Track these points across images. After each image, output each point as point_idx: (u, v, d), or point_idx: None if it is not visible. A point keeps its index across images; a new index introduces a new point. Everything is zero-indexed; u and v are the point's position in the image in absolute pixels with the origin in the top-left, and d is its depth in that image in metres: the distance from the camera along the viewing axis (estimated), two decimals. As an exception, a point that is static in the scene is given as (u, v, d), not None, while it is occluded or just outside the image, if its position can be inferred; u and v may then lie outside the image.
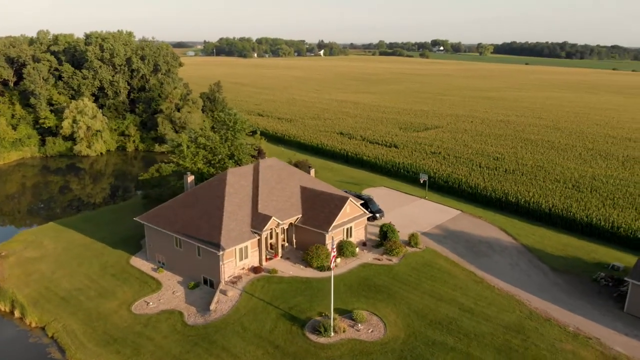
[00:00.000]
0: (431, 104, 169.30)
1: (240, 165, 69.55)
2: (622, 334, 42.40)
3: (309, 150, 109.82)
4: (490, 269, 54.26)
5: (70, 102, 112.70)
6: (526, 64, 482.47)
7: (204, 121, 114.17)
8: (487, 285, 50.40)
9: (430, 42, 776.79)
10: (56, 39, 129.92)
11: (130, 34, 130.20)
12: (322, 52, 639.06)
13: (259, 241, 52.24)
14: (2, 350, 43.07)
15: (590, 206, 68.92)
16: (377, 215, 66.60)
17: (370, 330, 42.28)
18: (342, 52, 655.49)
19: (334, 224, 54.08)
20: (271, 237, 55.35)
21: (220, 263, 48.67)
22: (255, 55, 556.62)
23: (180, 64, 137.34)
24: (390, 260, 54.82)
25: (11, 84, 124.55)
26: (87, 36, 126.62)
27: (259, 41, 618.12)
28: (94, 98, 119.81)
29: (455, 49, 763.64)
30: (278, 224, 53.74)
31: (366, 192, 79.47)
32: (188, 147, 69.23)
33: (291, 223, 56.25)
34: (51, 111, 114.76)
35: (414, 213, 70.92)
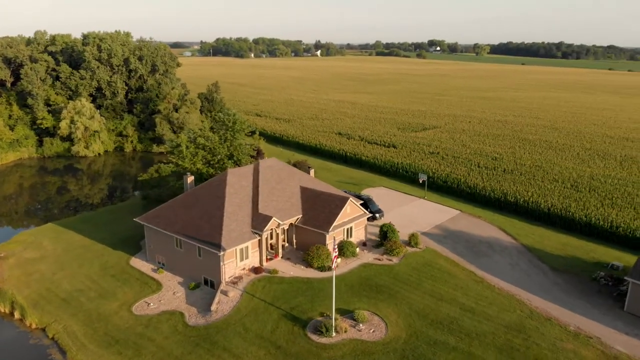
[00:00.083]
0: (429, 104, 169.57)
1: (239, 166, 69.52)
2: (623, 333, 42.56)
3: (307, 151, 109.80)
4: (490, 268, 54.38)
5: (68, 102, 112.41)
6: (522, 64, 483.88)
7: (203, 122, 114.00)
8: (487, 285, 50.50)
9: (427, 42, 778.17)
10: (53, 39, 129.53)
11: (127, 34, 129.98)
12: (319, 52, 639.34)
13: (260, 241, 52.20)
14: (3, 351, 42.91)
15: (589, 206, 69.16)
16: (377, 215, 66.65)
17: (371, 330, 42.31)
18: (339, 53, 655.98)
19: (334, 224, 54.09)
20: (271, 238, 55.35)
21: (221, 263, 48.62)
22: (252, 55, 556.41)
23: (178, 64, 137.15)
24: (390, 260, 54.88)
25: (8, 85, 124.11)
26: (85, 36, 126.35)
27: (256, 41, 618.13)
28: (91, 98, 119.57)
29: (452, 49, 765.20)
30: (278, 225, 53.72)
31: (365, 192, 79.53)
32: (187, 147, 69.13)
33: (291, 223, 56.24)
34: (49, 112, 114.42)
35: (414, 213, 71.01)
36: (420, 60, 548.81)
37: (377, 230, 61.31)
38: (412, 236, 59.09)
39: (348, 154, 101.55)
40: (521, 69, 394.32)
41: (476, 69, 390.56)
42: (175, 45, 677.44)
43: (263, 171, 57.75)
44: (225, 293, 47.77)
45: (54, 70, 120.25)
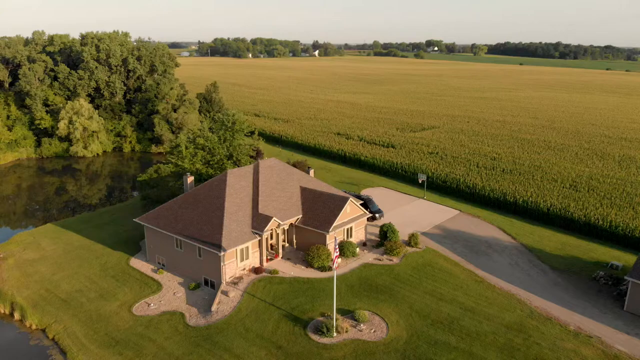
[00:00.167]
0: (427, 105, 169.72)
1: (238, 166, 69.53)
2: (623, 332, 42.67)
3: (306, 151, 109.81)
4: (490, 268, 54.46)
5: (66, 102, 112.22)
6: (520, 64, 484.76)
7: (202, 122, 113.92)
8: (487, 284, 50.57)
9: (424, 42, 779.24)
10: (52, 39, 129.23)
11: (126, 35, 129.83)
12: (317, 52, 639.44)
13: (260, 242, 52.19)
14: (3, 352, 42.78)
15: (588, 205, 69.32)
16: (377, 215, 66.68)
17: (372, 330, 42.33)
18: (337, 53, 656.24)
19: (334, 224, 54.10)
20: (272, 238, 55.36)
21: (222, 264, 48.59)
22: (250, 55, 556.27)
23: (177, 65, 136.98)
24: (390, 260, 54.92)
25: (6, 85, 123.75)
26: (83, 37, 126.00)
27: (254, 41, 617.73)
28: (90, 99, 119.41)
29: (450, 50, 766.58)
30: (279, 225, 53.71)
31: (365, 192, 79.60)
32: (187, 147, 69.07)
33: (292, 223, 56.23)
34: (47, 112, 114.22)
35: (413, 213, 71.06)
36: (418, 60, 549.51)
37: (376, 230, 61.38)
38: (412, 236, 59.13)
39: (347, 154, 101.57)
40: (519, 69, 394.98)
41: (474, 69, 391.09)
42: (173, 45, 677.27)
43: (263, 171, 57.72)
44: (225, 293, 47.74)
45: (52, 70, 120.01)
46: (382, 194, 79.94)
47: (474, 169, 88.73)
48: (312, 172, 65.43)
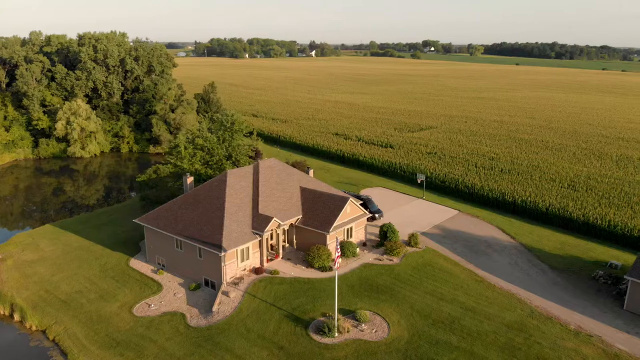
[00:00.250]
0: (425, 105, 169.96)
1: (237, 166, 69.45)
2: (623, 332, 42.84)
3: (304, 151, 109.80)
4: (490, 268, 54.59)
5: (64, 103, 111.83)
6: (517, 64, 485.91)
7: (200, 122, 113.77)
8: (487, 284, 50.69)
9: (421, 42, 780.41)
10: (49, 39, 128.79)
11: (123, 35, 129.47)
12: (313, 52, 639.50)
13: (260, 242, 52.15)
14: (3, 353, 42.61)
15: (586, 205, 69.56)
16: (376, 215, 66.74)
17: (374, 330, 42.36)
18: (334, 53, 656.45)
19: (334, 224, 54.11)
20: (272, 238, 55.32)
21: (222, 264, 48.54)
22: (247, 55, 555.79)
23: (174, 65, 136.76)
24: (391, 260, 54.97)
25: (3, 85, 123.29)
26: (80, 37, 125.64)
27: (250, 42, 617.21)
28: (87, 99, 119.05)
29: (446, 50, 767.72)
30: (279, 225, 53.69)
31: (364, 192, 79.65)
32: (185, 148, 68.96)
33: (292, 224, 56.22)
34: (44, 112, 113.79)
35: (412, 213, 71.15)
36: (415, 60, 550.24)
37: (376, 230, 61.42)
38: (412, 236, 59.21)
39: (345, 154, 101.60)
40: (515, 69, 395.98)
41: (470, 69, 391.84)
42: (169, 45, 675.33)
43: (263, 172, 57.69)
44: (226, 294, 47.69)
45: (49, 70, 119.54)
46: (381, 194, 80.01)
47: (472, 169, 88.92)
48: (311, 172, 65.43)
